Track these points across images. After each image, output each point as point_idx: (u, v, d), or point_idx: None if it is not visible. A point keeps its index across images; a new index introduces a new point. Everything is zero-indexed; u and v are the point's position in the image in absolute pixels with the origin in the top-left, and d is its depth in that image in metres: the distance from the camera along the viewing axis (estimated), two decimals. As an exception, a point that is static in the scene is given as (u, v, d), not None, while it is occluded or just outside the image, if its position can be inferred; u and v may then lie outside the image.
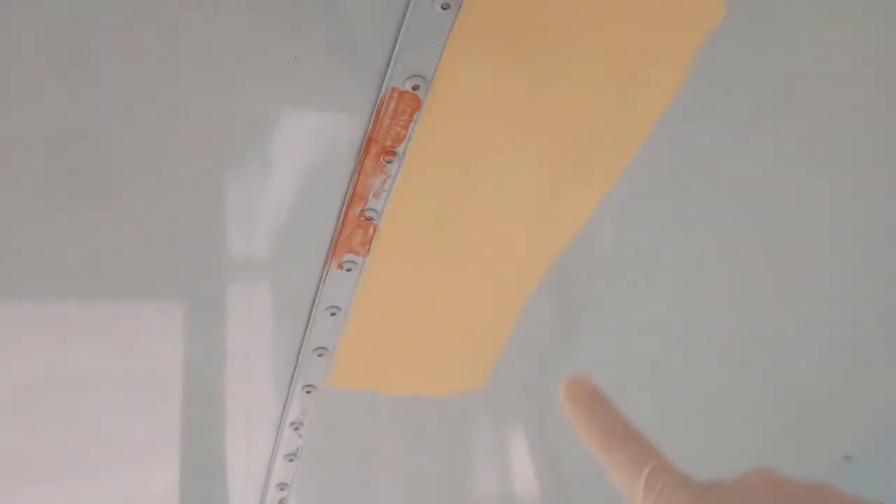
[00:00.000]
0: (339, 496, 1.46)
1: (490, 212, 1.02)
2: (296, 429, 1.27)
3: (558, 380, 1.26)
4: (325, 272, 1.03)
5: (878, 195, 1.16)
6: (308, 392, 1.21)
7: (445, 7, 0.75)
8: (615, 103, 0.92)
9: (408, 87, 0.82)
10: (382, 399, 1.28)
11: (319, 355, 1.15)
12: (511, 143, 0.93)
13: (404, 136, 0.87)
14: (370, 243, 1.00)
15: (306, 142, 0.89)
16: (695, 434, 1.68)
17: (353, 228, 0.98)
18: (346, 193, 0.93)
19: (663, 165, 1.01)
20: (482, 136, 0.90)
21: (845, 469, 1.88)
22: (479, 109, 0.87)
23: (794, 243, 1.23)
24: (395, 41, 0.77)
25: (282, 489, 1.39)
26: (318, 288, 1.05)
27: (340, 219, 0.96)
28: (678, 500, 0.40)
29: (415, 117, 0.85)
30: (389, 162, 0.89)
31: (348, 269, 1.03)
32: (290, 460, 1.33)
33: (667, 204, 1.12)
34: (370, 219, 0.96)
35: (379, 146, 0.87)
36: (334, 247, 1.00)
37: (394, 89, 0.82)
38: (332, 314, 1.09)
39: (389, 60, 0.79)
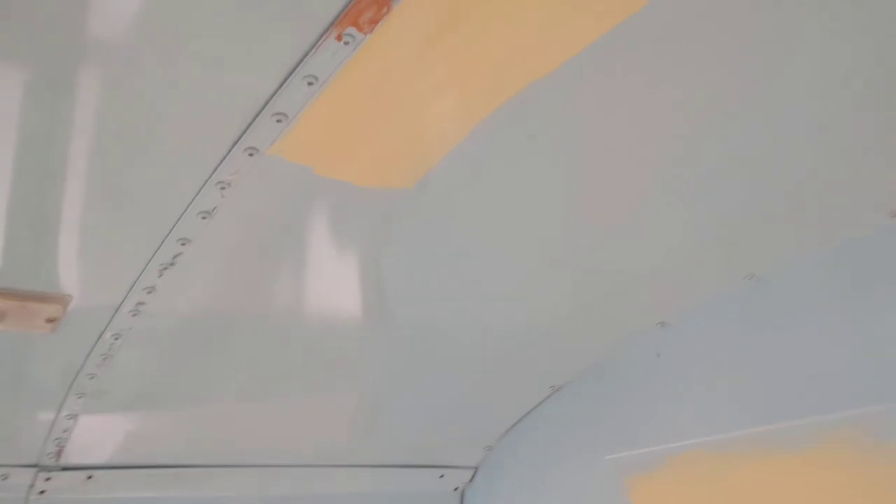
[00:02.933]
0: (240, 259, 1.48)
1: (485, 23, 1.05)
2: (222, 188, 1.26)
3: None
4: (322, 40, 1.01)
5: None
6: (250, 155, 1.20)
7: None
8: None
9: None
10: (315, 179, 1.29)
11: (278, 121, 1.13)
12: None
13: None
14: (377, 22, 0.99)
15: None
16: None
17: (368, 3, 0.96)
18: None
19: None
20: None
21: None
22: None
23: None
24: None
25: (183, 244, 1.38)
26: (306, 53, 1.03)
27: (361, -8, 0.95)
28: None
29: None
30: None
31: (346, 43, 1.01)
32: (203, 218, 1.32)
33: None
34: (393, -2, 0.95)
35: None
36: (343, 16, 0.98)
37: None
38: (309, 83, 1.07)
39: None
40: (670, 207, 1.55)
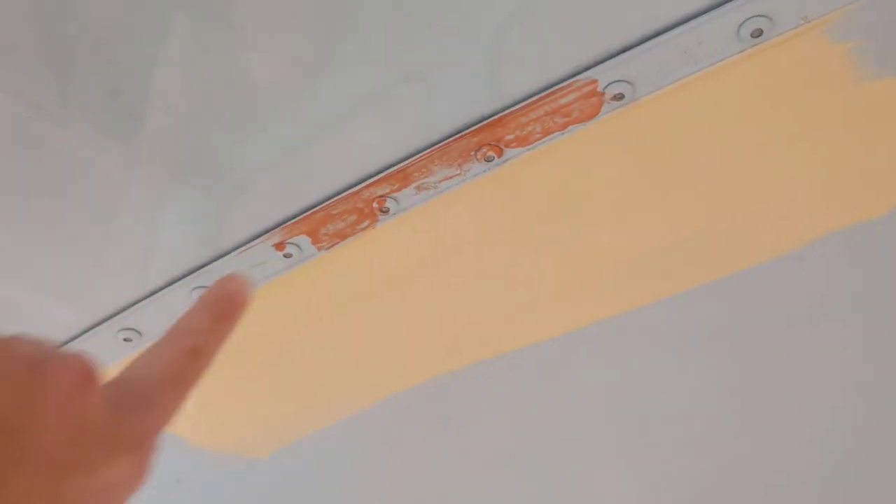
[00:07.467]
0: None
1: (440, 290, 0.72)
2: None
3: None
4: (257, 243, 0.63)
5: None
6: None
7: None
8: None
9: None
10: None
11: (126, 339, 0.71)
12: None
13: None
14: (347, 237, 0.64)
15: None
16: None
17: (350, 208, 0.61)
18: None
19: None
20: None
21: None
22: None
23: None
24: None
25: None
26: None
27: (343, 194, 0.60)
28: None
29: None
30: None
31: (286, 256, 0.64)
32: None
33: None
34: (386, 210, 0.61)
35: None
36: (303, 219, 0.62)
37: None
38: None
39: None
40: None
